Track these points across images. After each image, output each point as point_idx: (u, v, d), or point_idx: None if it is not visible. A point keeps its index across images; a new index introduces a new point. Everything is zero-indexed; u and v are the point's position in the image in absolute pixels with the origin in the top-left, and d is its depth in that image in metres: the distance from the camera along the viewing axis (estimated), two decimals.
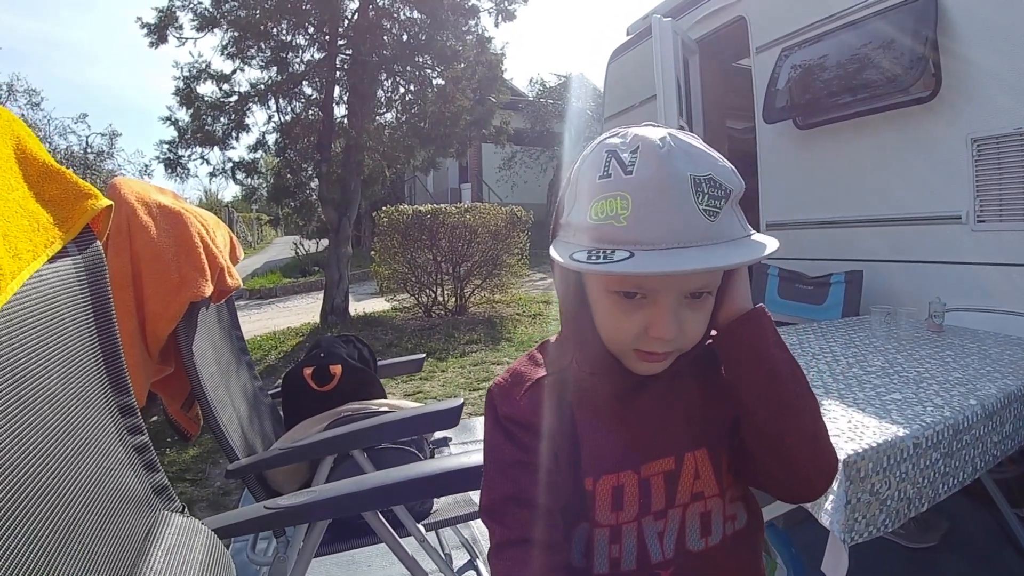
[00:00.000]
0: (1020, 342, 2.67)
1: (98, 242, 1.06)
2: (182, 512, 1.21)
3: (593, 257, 0.78)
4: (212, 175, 8.57)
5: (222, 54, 8.23)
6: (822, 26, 4.00)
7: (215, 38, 8.59)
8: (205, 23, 8.01)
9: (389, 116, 9.09)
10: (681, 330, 0.84)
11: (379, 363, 2.74)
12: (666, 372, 0.91)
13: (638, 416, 0.95)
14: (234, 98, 8.22)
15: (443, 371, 6.22)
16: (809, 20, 4.11)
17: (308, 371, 2.31)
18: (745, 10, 4.72)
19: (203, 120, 8.11)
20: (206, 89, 8.39)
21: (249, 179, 8.63)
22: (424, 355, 3.03)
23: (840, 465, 1.47)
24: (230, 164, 8.47)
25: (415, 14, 8.62)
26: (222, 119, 8.17)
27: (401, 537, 1.75)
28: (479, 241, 8.73)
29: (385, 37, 8.45)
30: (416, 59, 8.45)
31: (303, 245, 18.31)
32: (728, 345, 0.93)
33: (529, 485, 0.89)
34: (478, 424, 4.57)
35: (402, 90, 8.93)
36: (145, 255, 1.71)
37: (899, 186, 3.64)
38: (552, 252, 0.87)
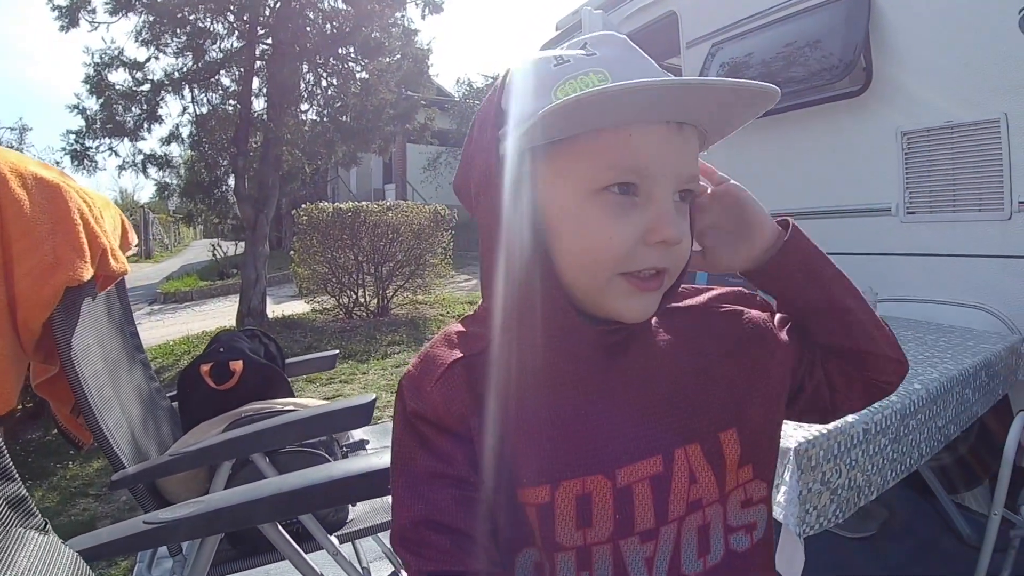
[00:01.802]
0: (951, 330, 2.72)
1: None
2: (42, 530, 1.01)
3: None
4: (121, 168, 8.13)
5: (136, 40, 7.87)
6: (754, 21, 4.00)
7: (129, 23, 8.21)
8: (119, 6, 7.63)
9: (310, 110, 8.82)
10: (682, 227, 0.71)
11: (288, 361, 2.53)
12: (639, 339, 0.77)
13: (606, 400, 0.74)
14: (147, 87, 7.85)
15: (364, 373, 6.08)
16: (741, 15, 4.10)
17: (205, 368, 2.09)
18: (676, 5, 4.69)
19: (113, 110, 7.72)
20: (118, 77, 8.02)
21: (161, 173, 8.22)
22: (337, 351, 2.81)
23: (792, 454, 1.43)
24: (141, 157, 8.07)
25: (340, 4, 8.40)
26: (134, 109, 7.80)
27: (312, 551, 1.58)
28: (402, 240, 8.54)
29: (308, 27, 8.19)
30: (339, 51, 8.22)
31: (221, 247, 17.64)
32: (786, 264, 0.85)
33: (448, 504, 0.69)
34: None
35: (324, 83, 8.68)
36: (15, 231, 1.47)
37: (831, 179, 3.64)
38: (507, 149, 0.71)
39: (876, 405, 1.63)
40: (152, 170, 8.15)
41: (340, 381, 5.73)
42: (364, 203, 8.56)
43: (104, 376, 1.81)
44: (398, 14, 8.79)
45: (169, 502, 1.83)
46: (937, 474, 2.82)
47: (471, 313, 0.83)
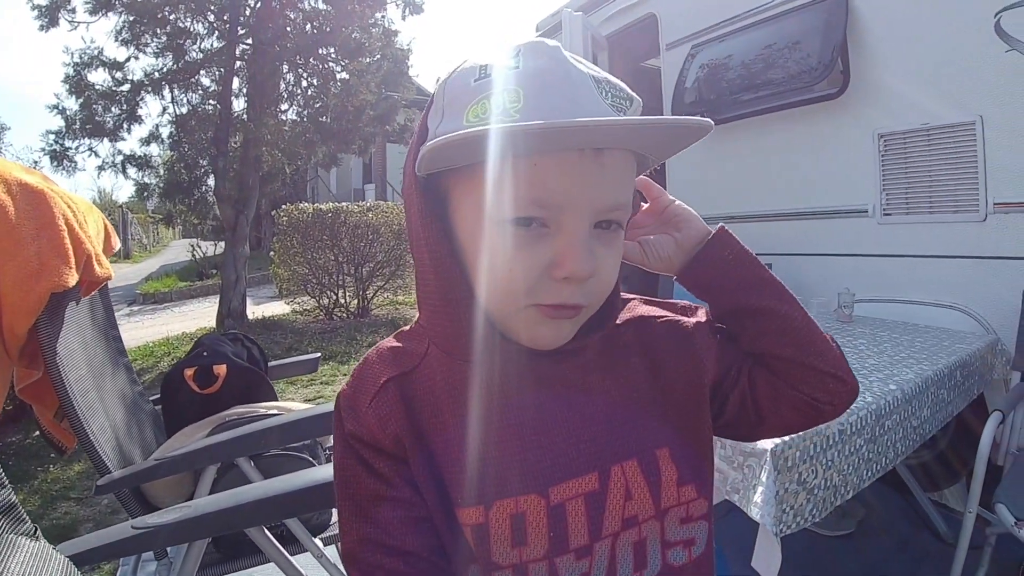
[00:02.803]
0: (927, 330, 2.77)
1: None
2: (33, 536, 1.01)
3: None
4: (101, 168, 8.06)
5: (116, 40, 7.80)
6: (733, 24, 4.06)
7: (109, 23, 8.14)
8: (99, 6, 7.56)
9: (290, 110, 8.79)
10: (596, 266, 0.66)
11: (271, 364, 2.54)
12: (572, 356, 0.75)
13: (540, 418, 0.73)
14: (127, 87, 7.79)
15: (345, 374, 6.04)
16: (720, 17, 4.16)
17: (189, 372, 2.09)
18: (656, 7, 4.74)
19: (93, 110, 7.65)
20: (97, 77, 7.96)
21: (141, 174, 8.15)
22: (319, 354, 2.82)
23: (768, 456, 1.45)
24: (120, 157, 8.01)
25: (320, 4, 8.37)
26: (113, 109, 7.73)
27: (297, 553, 1.59)
28: (382, 241, 8.55)
29: (288, 27, 8.16)
30: (320, 51, 8.19)
31: (200, 248, 17.37)
32: (711, 264, 0.85)
33: (391, 524, 0.69)
34: None
35: (304, 83, 8.66)
36: (0, 238, 1.48)
37: (808, 181, 3.70)
38: (412, 170, 0.69)
39: (852, 407, 1.68)
40: (132, 171, 8.09)
41: (321, 383, 5.73)
42: (344, 204, 8.58)
43: (88, 381, 1.82)
44: (378, 14, 8.77)
45: (154, 505, 1.84)
46: (916, 472, 2.87)
47: (406, 328, 0.81)
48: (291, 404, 2.19)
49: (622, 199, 0.68)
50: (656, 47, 4.82)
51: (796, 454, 1.52)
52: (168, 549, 1.73)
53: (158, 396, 2.31)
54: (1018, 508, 1.93)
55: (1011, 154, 2.84)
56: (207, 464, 1.76)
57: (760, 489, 1.46)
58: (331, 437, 2.24)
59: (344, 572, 1.80)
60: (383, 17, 8.92)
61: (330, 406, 1.79)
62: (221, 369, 2.10)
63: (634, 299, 0.89)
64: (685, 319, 0.86)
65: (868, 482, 1.78)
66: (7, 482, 0.98)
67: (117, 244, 2.03)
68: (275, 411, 2.03)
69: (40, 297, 1.53)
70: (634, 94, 0.69)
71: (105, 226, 1.98)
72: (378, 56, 8.78)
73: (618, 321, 0.82)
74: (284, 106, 8.62)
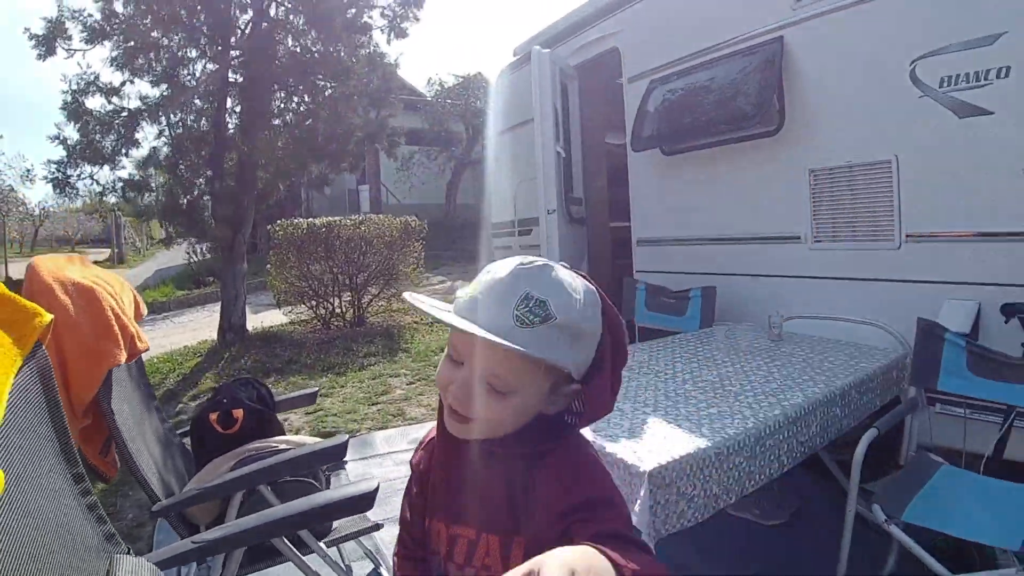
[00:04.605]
0: (844, 347, 3.17)
1: (44, 348, 1.27)
2: (128, 552, 1.43)
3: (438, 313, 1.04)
4: (102, 194, 8.33)
5: (111, 66, 8.03)
6: (686, 62, 4.44)
7: (104, 50, 8.38)
8: (95, 36, 7.81)
9: (283, 132, 9.00)
10: (473, 403, 1.03)
11: (277, 399, 3.00)
12: (480, 451, 1.11)
13: (452, 479, 1.18)
14: (124, 114, 8.05)
15: (342, 387, 6.34)
16: (674, 56, 4.53)
17: (213, 416, 2.56)
18: (618, 42, 5.11)
19: (92, 136, 7.91)
20: (95, 103, 8.19)
21: (139, 197, 8.41)
22: (316, 389, 3.30)
23: (646, 476, 1.81)
24: (120, 184, 8.27)
25: (310, 30, 8.58)
26: (111, 135, 7.99)
27: (307, 555, 2.09)
28: (375, 251, 8.85)
29: (279, 48, 8.42)
30: (309, 76, 8.44)
31: (196, 251, 17.12)
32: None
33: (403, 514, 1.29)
34: (377, 438, 4.82)
35: (295, 101, 8.90)
36: (65, 332, 1.91)
37: (750, 209, 4.13)
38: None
39: (730, 431, 2.08)
40: (131, 194, 8.32)
41: (321, 395, 5.94)
42: (338, 218, 8.86)
43: (134, 428, 2.24)
44: (364, 38, 8.94)
45: (189, 522, 2.30)
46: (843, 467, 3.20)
47: None
48: (296, 438, 2.66)
49: (500, 373, 1.02)
50: (620, 78, 5.21)
51: (673, 473, 1.86)
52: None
53: (183, 431, 2.78)
54: (889, 507, 2.30)
55: (921, 190, 3.26)
56: (235, 491, 2.21)
57: (639, 502, 1.82)
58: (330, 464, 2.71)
59: (343, 567, 2.34)
60: (369, 40, 9.09)
61: (329, 442, 2.25)
62: (239, 413, 2.57)
63: (585, 460, 1.10)
64: (593, 502, 1.02)
65: (752, 489, 2.12)
66: (107, 518, 1.40)
67: (145, 311, 2.46)
68: (284, 445, 2.50)
69: (100, 374, 1.98)
70: (553, 312, 0.99)
71: (134, 297, 2.41)
72: (366, 73, 8.95)
73: (543, 456, 1.08)
74: (276, 126, 8.84)
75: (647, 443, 2.02)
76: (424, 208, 19.71)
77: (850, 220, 3.58)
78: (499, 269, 1.04)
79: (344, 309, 9.21)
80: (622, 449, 1.97)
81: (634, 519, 1.81)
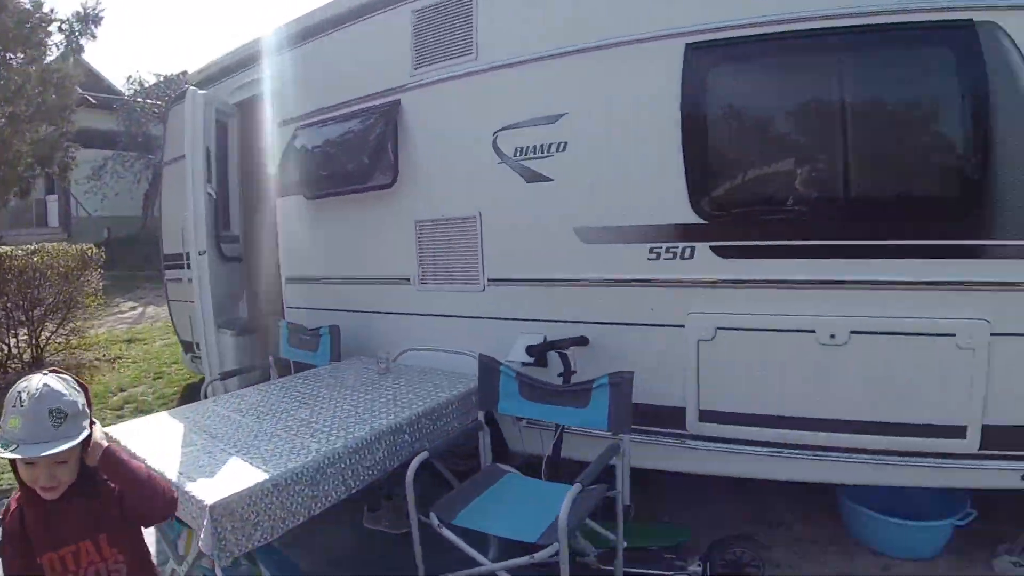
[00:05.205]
0: (443, 376, 3.82)
1: None
2: None
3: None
4: None
5: None
6: (324, 114, 4.80)
7: None
8: None
9: None
10: (56, 479, 1.70)
11: None
12: (64, 497, 1.75)
13: (51, 522, 1.79)
14: None
15: None
16: (314, 107, 4.88)
17: None
18: (266, 87, 5.35)
19: None
20: None
21: None
22: None
23: (207, 509, 2.17)
24: None
25: None
26: None
27: None
28: (51, 283, 8.20)
29: None
30: None
31: None
32: (109, 474, 1.82)
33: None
34: None
35: None
36: None
37: (371, 253, 4.64)
38: None
39: (291, 464, 2.50)
40: None
41: None
42: (8, 248, 8.14)
43: None
44: (35, 52, 8.39)
45: None
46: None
47: None
48: None
49: (60, 457, 1.68)
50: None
51: (235, 505, 2.24)
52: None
53: None
54: (443, 514, 2.74)
55: (500, 242, 3.91)
56: None
57: (203, 530, 2.19)
58: None
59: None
60: (42, 56, 8.56)
61: None
62: None
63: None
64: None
65: (319, 510, 2.56)
66: None
67: None
68: None
69: None
70: (71, 406, 1.72)
71: None
72: (38, 94, 8.37)
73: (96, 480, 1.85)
74: None
75: (216, 479, 2.39)
76: (119, 221, 18.69)
77: (447, 265, 4.16)
78: (25, 399, 1.66)
79: (21, 350, 8.32)
80: (195, 486, 2.33)
81: (202, 546, 2.22)
